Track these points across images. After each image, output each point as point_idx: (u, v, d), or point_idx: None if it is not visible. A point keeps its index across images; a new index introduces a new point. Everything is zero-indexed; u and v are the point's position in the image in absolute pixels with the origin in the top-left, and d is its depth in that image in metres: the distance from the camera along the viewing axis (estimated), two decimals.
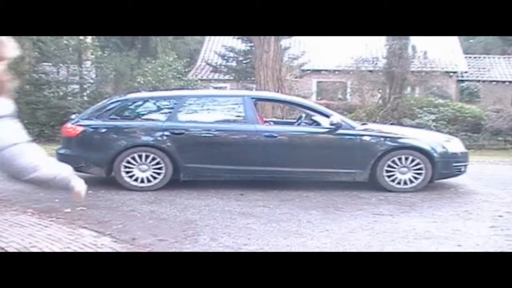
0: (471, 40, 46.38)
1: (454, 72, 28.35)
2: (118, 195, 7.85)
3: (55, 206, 7.07)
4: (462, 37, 34.13)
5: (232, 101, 8.78)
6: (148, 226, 6.18)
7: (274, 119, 10.93)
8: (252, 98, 8.60)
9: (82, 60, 19.83)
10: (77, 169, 7.95)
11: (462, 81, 29.82)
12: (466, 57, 31.05)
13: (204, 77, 27.63)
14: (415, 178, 8.36)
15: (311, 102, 9.99)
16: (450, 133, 13.99)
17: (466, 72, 30.00)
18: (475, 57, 33.71)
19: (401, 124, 15.97)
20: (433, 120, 17.16)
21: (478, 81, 30.21)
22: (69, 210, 6.84)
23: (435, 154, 8.36)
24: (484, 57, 34.28)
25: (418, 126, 15.89)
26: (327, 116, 8.42)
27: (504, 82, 31.13)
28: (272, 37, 13.69)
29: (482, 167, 11.56)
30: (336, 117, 8.37)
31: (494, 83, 30.79)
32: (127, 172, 8.20)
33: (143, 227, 6.12)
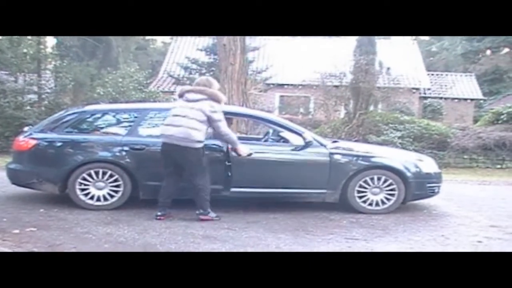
0: (431, 58, 46.92)
1: (417, 89, 28.43)
2: (72, 215, 7.27)
3: (2, 226, 6.51)
4: (424, 54, 34.42)
5: None
6: (104, 251, 5.66)
7: (238, 135, 10.47)
8: None
9: (41, 69, 19.19)
10: (28, 186, 7.48)
11: (425, 97, 29.93)
12: (428, 74, 31.26)
13: (166, 89, 27.19)
14: (388, 199, 8.00)
15: (281, 118, 9.50)
16: (416, 151, 13.81)
17: (429, 89, 30.15)
18: (437, 74, 34.07)
19: (366, 141, 15.74)
20: (399, 137, 16.93)
21: (441, 98, 30.41)
22: (17, 231, 6.30)
23: (408, 174, 8.01)
24: (447, 75, 34.65)
25: (384, 143, 15.67)
26: (298, 133, 8.01)
27: (466, 99, 31.45)
28: (238, 49, 13.27)
29: (451, 186, 11.31)
30: (307, 135, 7.97)
31: (456, 100, 31.06)
32: (82, 190, 7.63)
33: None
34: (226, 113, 7.94)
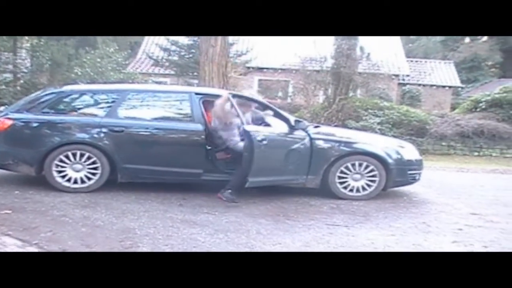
0: (410, 45, 47.00)
1: (397, 75, 28.43)
2: (48, 197, 7.10)
3: None
4: (403, 41, 34.48)
5: (178, 98, 8.17)
6: (81, 235, 5.53)
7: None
8: (200, 94, 8.01)
9: (17, 48, 18.82)
10: (3, 167, 7.29)
11: (404, 84, 29.96)
12: (408, 61, 31.25)
13: (144, 71, 26.92)
14: (368, 185, 7.95)
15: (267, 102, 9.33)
16: (395, 137, 13.78)
17: (408, 75, 30.16)
18: (416, 61, 34.11)
19: (346, 126, 15.71)
20: (378, 123, 16.94)
21: (419, 85, 30.48)
22: None
23: (390, 161, 7.96)
24: (426, 61, 34.70)
25: (363, 128, 15.65)
26: (284, 119, 7.91)
27: (444, 86, 31.54)
28: None
29: (430, 173, 11.30)
30: (293, 120, 7.89)
31: (434, 87, 31.14)
32: (59, 172, 7.47)
33: (74, 236, 5.47)
34: (209, 95, 7.94)
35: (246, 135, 7.32)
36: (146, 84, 17.37)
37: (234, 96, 7.72)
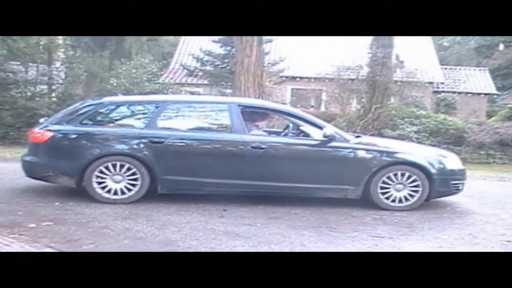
0: (443, 52, 46.50)
1: (431, 83, 28.10)
2: (88, 208, 7.10)
3: (18, 220, 6.34)
4: (435, 48, 34.10)
5: (218, 108, 8.15)
6: (123, 247, 5.47)
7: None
8: (240, 105, 7.95)
9: (53, 60, 19.00)
10: (44, 179, 7.31)
11: (438, 92, 29.59)
12: (442, 68, 30.88)
13: (178, 81, 27.00)
14: (411, 196, 7.80)
15: (303, 112, 9.28)
16: (432, 146, 13.59)
17: (442, 83, 29.79)
18: (451, 68, 33.67)
19: (382, 135, 15.54)
20: (415, 132, 16.72)
21: (454, 92, 30.04)
22: (33, 225, 6.15)
23: (433, 171, 7.81)
24: (460, 69, 34.21)
25: (400, 137, 15.46)
26: (320, 127, 7.83)
27: (479, 94, 31.05)
28: (255, 41, 13.09)
29: (471, 182, 11.02)
30: (330, 129, 7.79)
31: (469, 95, 30.69)
32: (99, 183, 7.47)
33: (117, 248, 5.41)
34: (248, 107, 7.90)
35: None
36: (183, 95, 17.39)
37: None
